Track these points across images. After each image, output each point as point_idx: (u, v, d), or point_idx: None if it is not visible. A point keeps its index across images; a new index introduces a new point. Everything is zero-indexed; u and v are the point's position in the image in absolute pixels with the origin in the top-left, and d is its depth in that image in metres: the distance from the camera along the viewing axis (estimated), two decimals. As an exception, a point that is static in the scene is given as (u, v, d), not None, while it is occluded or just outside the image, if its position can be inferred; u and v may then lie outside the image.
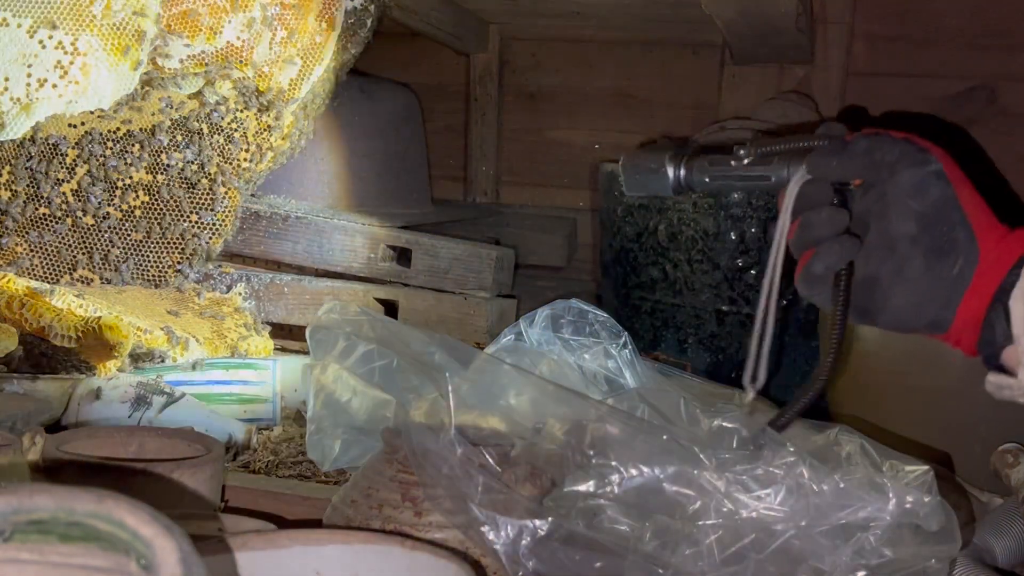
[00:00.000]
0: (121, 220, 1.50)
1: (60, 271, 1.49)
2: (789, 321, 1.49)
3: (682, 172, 0.84)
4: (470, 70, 2.17)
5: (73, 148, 1.48)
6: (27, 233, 1.48)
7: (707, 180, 0.83)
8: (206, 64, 1.40)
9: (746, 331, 0.85)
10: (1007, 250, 0.74)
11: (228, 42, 1.39)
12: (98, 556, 0.42)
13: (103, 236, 1.49)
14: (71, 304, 1.27)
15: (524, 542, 0.72)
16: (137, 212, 1.50)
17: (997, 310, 0.73)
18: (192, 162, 1.50)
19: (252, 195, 1.61)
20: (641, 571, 0.70)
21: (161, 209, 1.51)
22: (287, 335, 1.61)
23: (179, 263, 1.51)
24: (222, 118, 1.50)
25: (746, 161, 0.76)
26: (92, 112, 1.40)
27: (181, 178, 1.50)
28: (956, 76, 1.88)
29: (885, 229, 0.75)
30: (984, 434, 1.11)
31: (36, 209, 1.48)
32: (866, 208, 0.77)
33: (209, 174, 1.51)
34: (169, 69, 1.39)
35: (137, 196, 1.50)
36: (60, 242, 1.49)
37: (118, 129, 1.49)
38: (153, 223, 1.51)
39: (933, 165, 0.75)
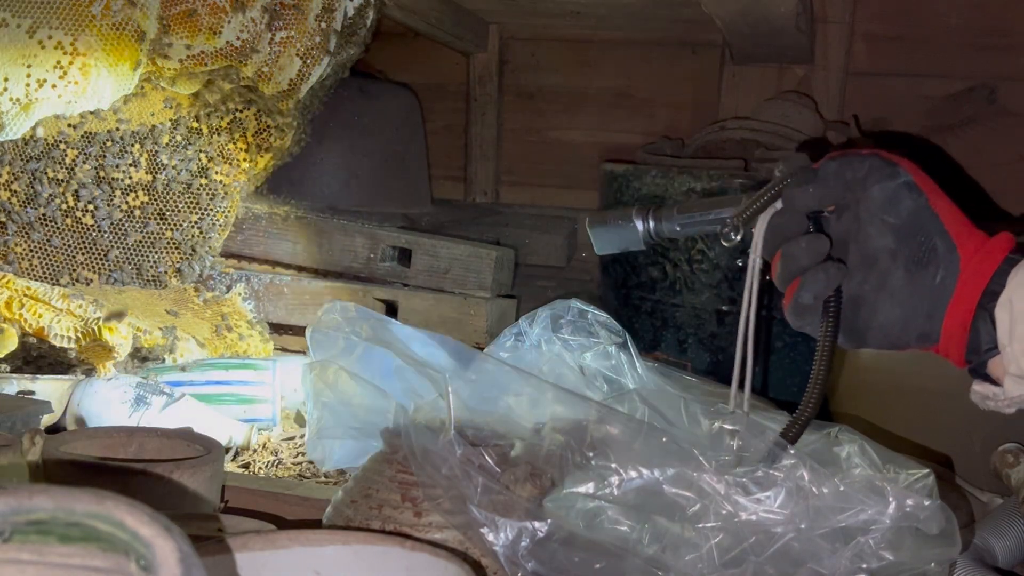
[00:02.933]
0: (121, 220, 1.50)
1: (60, 271, 1.49)
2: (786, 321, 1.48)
3: (651, 224, 0.85)
4: (470, 70, 2.17)
5: (73, 148, 1.48)
6: (27, 233, 1.48)
7: (678, 228, 0.84)
8: (206, 64, 1.40)
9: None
10: (988, 257, 0.73)
11: (228, 42, 1.39)
12: (97, 557, 0.42)
13: (103, 236, 1.49)
14: (71, 304, 1.27)
15: (523, 543, 0.72)
16: (137, 212, 1.50)
17: (983, 318, 0.73)
18: (192, 162, 1.50)
19: (252, 195, 1.61)
20: (641, 573, 0.70)
21: (161, 209, 1.51)
22: (287, 335, 1.61)
23: (179, 263, 1.51)
24: (222, 118, 1.50)
25: (737, 238, 0.76)
26: (92, 112, 1.40)
27: (181, 178, 1.50)
28: (956, 76, 1.88)
29: (863, 247, 0.75)
30: (984, 434, 1.11)
31: (36, 209, 1.48)
32: (843, 229, 0.76)
33: (209, 174, 1.51)
34: (169, 69, 1.39)
35: (137, 196, 1.50)
36: (60, 242, 1.49)
37: (117, 129, 1.49)
38: (153, 223, 1.51)
39: (902, 177, 0.74)
